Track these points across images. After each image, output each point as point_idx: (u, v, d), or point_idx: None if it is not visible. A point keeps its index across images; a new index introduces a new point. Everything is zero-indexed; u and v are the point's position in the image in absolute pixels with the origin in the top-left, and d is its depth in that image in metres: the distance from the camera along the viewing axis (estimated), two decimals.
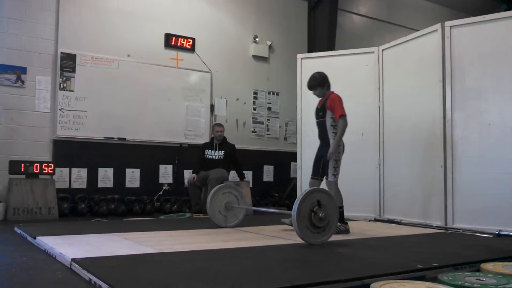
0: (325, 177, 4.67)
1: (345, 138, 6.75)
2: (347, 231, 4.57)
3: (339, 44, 9.03)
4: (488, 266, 2.99)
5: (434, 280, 2.63)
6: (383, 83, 6.46)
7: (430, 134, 5.61)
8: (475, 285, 2.47)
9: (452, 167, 5.32)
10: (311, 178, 4.82)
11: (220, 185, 5.24)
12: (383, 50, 6.49)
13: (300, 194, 3.93)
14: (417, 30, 6.15)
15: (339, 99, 4.64)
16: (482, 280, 2.59)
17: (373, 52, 6.61)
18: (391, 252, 3.58)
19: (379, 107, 6.46)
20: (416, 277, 2.72)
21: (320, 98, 4.81)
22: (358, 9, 10.06)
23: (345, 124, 4.57)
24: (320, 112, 4.71)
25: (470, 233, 4.85)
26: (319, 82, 4.72)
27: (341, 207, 4.53)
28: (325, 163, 4.64)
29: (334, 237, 4.07)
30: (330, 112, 4.61)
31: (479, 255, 3.42)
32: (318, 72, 4.80)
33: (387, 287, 2.38)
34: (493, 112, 5.12)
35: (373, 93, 6.52)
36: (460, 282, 2.49)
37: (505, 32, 5.09)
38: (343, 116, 4.56)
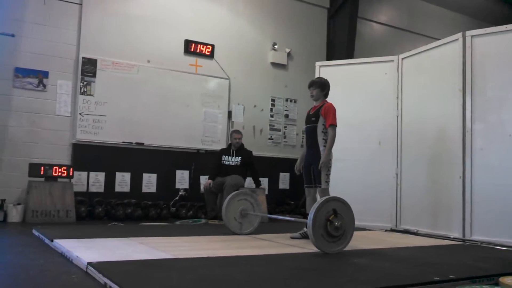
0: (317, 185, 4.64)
1: (363, 146, 6.71)
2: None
3: (358, 52, 8.99)
4: (507, 279, 2.93)
5: None
6: (402, 92, 6.41)
7: (449, 144, 5.54)
8: None
9: (471, 178, 5.24)
10: (306, 187, 4.82)
11: (236, 191, 5.25)
12: (402, 58, 6.45)
13: (316, 203, 3.91)
14: (438, 39, 6.10)
15: (333, 109, 4.66)
16: None
17: (392, 60, 6.57)
18: (407, 263, 3.54)
19: (397, 116, 6.40)
20: None
21: (314, 104, 4.83)
22: (378, 18, 10.02)
23: (334, 135, 4.60)
24: (313, 118, 4.72)
25: (488, 246, 4.77)
26: (320, 84, 4.79)
27: None
28: (315, 171, 4.63)
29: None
30: (323, 119, 4.64)
31: (497, 268, 3.36)
32: (323, 78, 4.96)
33: None
34: None
35: (391, 102, 6.48)
36: None
37: None
38: (333, 126, 4.60)
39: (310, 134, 4.75)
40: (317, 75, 7.05)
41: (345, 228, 3.88)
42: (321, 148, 4.61)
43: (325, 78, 4.95)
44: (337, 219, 3.81)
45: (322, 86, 4.79)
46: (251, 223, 5.06)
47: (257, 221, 5.10)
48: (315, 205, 3.81)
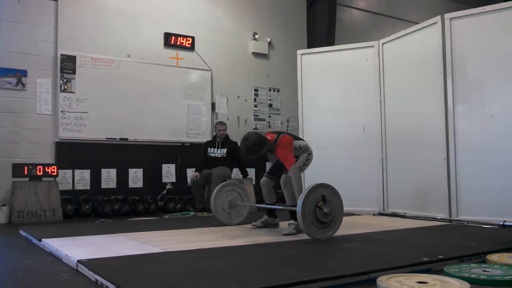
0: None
1: (347, 133, 6.73)
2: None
3: (338, 39, 9.01)
4: (494, 257, 2.99)
5: (440, 272, 2.63)
6: (384, 77, 6.45)
7: (432, 126, 5.60)
8: (482, 276, 2.47)
9: (455, 159, 5.31)
10: (266, 176, 4.68)
11: (224, 183, 5.24)
12: (383, 44, 6.48)
13: (304, 190, 3.92)
14: (417, 23, 6.13)
15: (284, 149, 4.31)
16: (488, 271, 2.59)
17: (373, 46, 6.60)
18: (396, 245, 3.58)
19: (381, 101, 6.45)
20: (422, 270, 2.73)
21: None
22: (357, 3, 10.03)
23: (296, 175, 4.26)
24: (280, 169, 4.49)
25: (474, 225, 4.85)
26: (254, 152, 4.30)
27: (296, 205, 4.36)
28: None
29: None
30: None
31: (485, 246, 3.42)
32: (247, 141, 4.28)
33: (393, 281, 2.38)
34: (495, 103, 5.11)
35: (374, 87, 6.52)
36: (466, 274, 2.49)
37: (506, 23, 5.07)
38: (292, 168, 4.26)
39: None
40: (298, 64, 7.07)
41: (334, 214, 3.91)
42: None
43: (252, 138, 4.27)
44: (326, 205, 3.84)
45: (258, 151, 4.30)
46: (240, 214, 5.07)
47: (246, 211, 5.11)
48: (304, 192, 3.83)
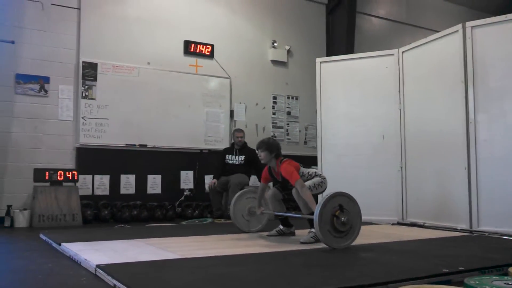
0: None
1: (366, 140, 6.68)
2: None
3: (358, 47, 8.98)
4: None
5: (460, 284, 2.59)
6: (403, 85, 6.39)
7: (453, 135, 5.53)
8: None
9: (476, 169, 5.23)
10: (275, 187, 4.66)
11: (244, 190, 5.24)
12: (403, 52, 6.44)
13: (321, 199, 3.90)
14: (437, 31, 6.08)
15: (290, 169, 4.33)
16: (510, 284, 2.53)
17: (393, 54, 6.56)
18: (415, 256, 3.54)
19: (400, 110, 6.39)
20: (441, 282, 2.68)
21: (274, 169, 4.53)
22: (377, 12, 10.00)
23: (304, 189, 4.20)
24: (289, 184, 4.42)
25: (496, 236, 4.76)
26: (267, 146, 4.44)
27: (313, 213, 4.23)
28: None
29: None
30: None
31: (506, 258, 3.34)
32: (271, 139, 4.65)
33: None
34: None
35: (394, 96, 6.47)
36: (487, 287, 2.45)
37: None
38: (297, 181, 4.24)
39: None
40: (317, 72, 7.06)
41: (352, 222, 3.88)
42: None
43: (273, 139, 4.62)
44: (343, 214, 3.81)
45: (269, 148, 4.44)
46: (259, 221, 5.05)
47: (265, 219, 5.09)
48: (321, 201, 3.81)
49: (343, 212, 3.81)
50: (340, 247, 3.80)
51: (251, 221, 5.00)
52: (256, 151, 4.57)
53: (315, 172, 4.53)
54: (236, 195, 5.04)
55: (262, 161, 4.56)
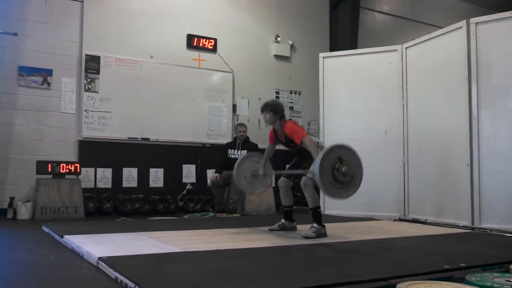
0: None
1: (368, 136, 6.68)
2: (324, 235, 4.23)
3: (361, 42, 8.95)
4: None
5: (462, 281, 2.59)
6: (407, 81, 6.38)
7: (455, 132, 5.52)
8: (505, 286, 2.42)
9: (478, 165, 5.22)
10: (284, 177, 4.68)
11: (248, 153, 5.22)
12: (406, 48, 6.42)
13: (320, 152, 3.88)
14: (441, 27, 6.06)
15: (294, 126, 4.41)
16: None
17: (396, 50, 6.54)
18: (417, 252, 3.54)
19: (403, 106, 6.38)
20: (443, 278, 2.68)
21: (278, 131, 4.59)
22: (380, 7, 9.96)
23: (312, 143, 4.21)
24: (291, 143, 4.47)
25: (498, 233, 4.76)
26: (272, 108, 4.50)
27: (318, 207, 4.35)
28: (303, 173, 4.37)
29: (336, 239, 4.02)
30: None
31: (508, 255, 3.35)
32: (276, 101, 4.74)
33: None
34: None
35: (397, 92, 6.45)
36: (489, 283, 2.45)
37: None
38: (304, 138, 4.26)
39: (301, 153, 4.53)
40: (320, 67, 7.05)
41: (353, 172, 3.89)
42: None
43: (278, 101, 4.64)
44: (343, 165, 3.81)
45: (275, 110, 4.50)
46: (263, 184, 4.98)
47: (268, 181, 5.02)
48: (320, 155, 3.79)
49: (342, 164, 3.82)
50: (344, 197, 3.85)
51: (254, 184, 4.94)
52: (262, 113, 4.57)
53: (319, 143, 4.46)
54: (240, 158, 5.01)
55: (267, 123, 4.61)
